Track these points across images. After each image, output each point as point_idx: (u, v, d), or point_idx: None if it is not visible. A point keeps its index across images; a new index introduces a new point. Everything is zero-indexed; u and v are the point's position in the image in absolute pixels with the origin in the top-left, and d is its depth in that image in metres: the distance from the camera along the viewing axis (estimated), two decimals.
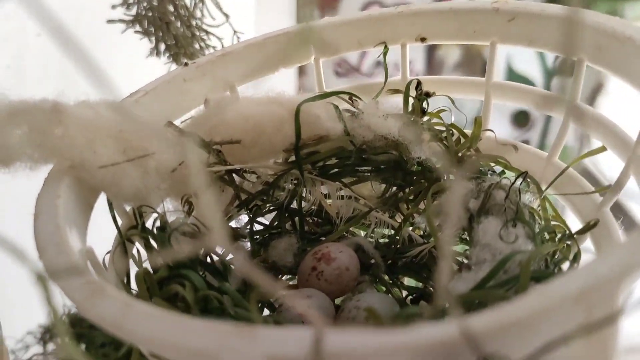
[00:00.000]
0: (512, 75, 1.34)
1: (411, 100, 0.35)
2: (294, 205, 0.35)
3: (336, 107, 0.33)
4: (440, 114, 0.36)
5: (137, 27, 0.48)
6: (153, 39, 0.48)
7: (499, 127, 1.31)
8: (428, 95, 0.36)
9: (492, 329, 0.15)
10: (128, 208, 0.29)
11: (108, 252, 0.27)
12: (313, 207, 0.35)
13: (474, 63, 1.30)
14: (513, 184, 0.30)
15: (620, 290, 0.16)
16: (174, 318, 0.17)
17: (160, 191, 0.28)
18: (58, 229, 0.21)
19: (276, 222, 0.35)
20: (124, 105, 0.29)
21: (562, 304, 0.15)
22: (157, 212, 0.28)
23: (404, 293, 0.34)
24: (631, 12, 1.38)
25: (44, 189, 0.24)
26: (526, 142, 1.29)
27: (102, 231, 0.28)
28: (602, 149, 0.30)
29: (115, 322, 0.17)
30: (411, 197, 0.35)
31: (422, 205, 0.34)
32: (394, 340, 0.15)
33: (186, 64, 0.34)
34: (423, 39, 0.36)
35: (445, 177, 0.33)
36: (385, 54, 0.36)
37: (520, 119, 1.40)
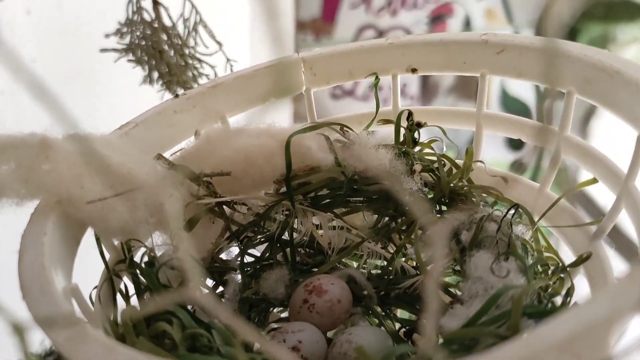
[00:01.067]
0: (506, 98, 1.35)
1: (402, 131, 0.35)
2: (286, 236, 0.35)
3: (327, 138, 0.33)
4: (432, 144, 0.36)
5: (130, 56, 0.48)
6: (146, 67, 0.48)
7: (494, 150, 1.32)
8: (419, 125, 0.36)
9: None
10: (116, 242, 0.29)
11: (95, 287, 0.27)
12: (305, 238, 0.34)
13: (469, 87, 1.31)
14: (504, 216, 0.29)
15: (610, 335, 0.16)
16: None
17: (148, 225, 0.28)
18: (43, 268, 0.21)
19: (267, 254, 0.34)
20: (112, 139, 0.29)
21: (548, 353, 0.15)
22: (146, 247, 0.28)
23: (397, 325, 0.34)
24: (623, 36, 1.40)
25: (29, 226, 0.24)
26: (521, 164, 1.30)
27: (91, 264, 0.27)
28: (594, 180, 0.30)
29: None
30: (403, 228, 0.34)
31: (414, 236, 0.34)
32: None
33: (177, 96, 0.34)
34: (414, 70, 0.36)
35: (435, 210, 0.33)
36: (376, 84, 0.36)
37: (515, 142, 1.40)
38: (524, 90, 1.34)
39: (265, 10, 0.15)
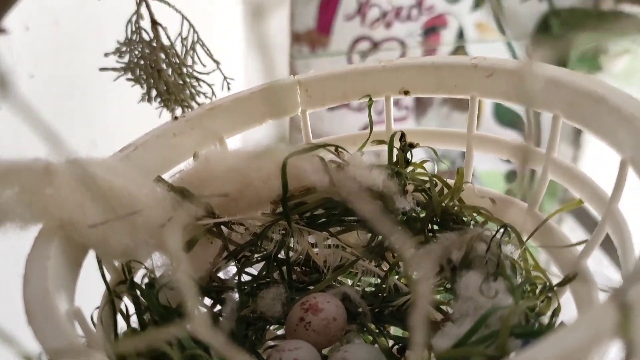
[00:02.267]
0: (500, 108, 1.37)
1: (395, 152, 0.36)
2: (282, 255, 0.35)
3: (322, 159, 0.34)
4: (424, 164, 0.37)
5: (129, 75, 0.49)
6: (144, 85, 0.49)
7: (489, 161, 1.33)
8: (412, 146, 0.37)
9: None
10: (117, 263, 0.29)
11: (97, 308, 0.28)
12: (301, 257, 0.35)
13: (462, 99, 1.32)
14: (494, 236, 0.30)
15: (591, 358, 0.17)
16: None
17: (148, 246, 0.29)
18: (47, 293, 0.22)
19: (264, 272, 0.35)
20: (113, 163, 0.30)
21: None
22: (146, 268, 0.29)
23: (390, 342, 0.34)
24: (614, 47, 1.41)
25: (33, 251, 0.25)
26: (515, 176, 1.30)
27: (91, 283, 0.28)
28: (580, 202, 0.31)
29: None
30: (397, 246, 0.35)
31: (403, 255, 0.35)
32: None
33: (176, 118, 0.34)
34: (406, 92, 0.37)
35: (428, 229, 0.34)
36: (369, 106, 0.37)
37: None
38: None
39: (258, 43, 0.16)
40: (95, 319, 0.27)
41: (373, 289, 0.36)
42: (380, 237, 0.36)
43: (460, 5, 1.35)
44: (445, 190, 0.35)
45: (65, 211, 0.27)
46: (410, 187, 0.35)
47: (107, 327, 0.27)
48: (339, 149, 0.36)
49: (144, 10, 0.45)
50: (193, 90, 0.48)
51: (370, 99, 0.38)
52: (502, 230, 0.30)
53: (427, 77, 0.36)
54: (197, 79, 0.49)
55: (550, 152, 0.32)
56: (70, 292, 0.25)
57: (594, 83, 0.30)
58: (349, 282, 0.37)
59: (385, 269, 0.36)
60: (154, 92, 0.48)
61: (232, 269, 0.35)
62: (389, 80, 0.37)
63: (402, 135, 0.37)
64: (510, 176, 1.32)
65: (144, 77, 0.48)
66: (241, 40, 0.95)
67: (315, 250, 0.36)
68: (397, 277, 0.36)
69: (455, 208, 0.34)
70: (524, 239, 0.32)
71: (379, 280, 0.35)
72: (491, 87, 0.34)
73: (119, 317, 0.29)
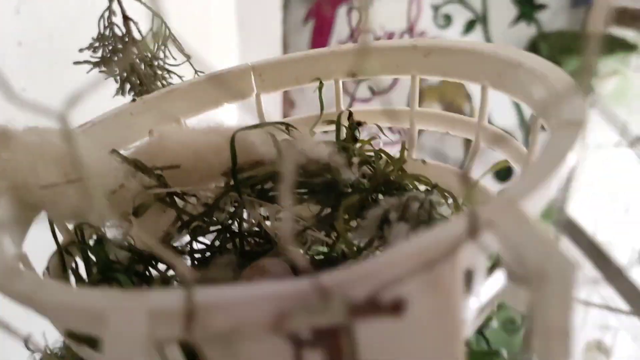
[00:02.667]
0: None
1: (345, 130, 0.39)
2: (236, 226, 0.37)
3: (269, 132, 0.36)
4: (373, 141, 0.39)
5: (102, 68, 0.51)
6: (118, 79, 0.52)
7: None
8: (359, 124, 0.39)
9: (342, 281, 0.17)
10: (70, 226, 0.31)
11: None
12: (253, 228, 0.37)
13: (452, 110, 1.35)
14: (427, 195, 0.32)
15: (460, 259, 0.19)
16: (74, 290, 0.19)
17: (99, 210, 0.31)
18: None
19: (218, 242, 0.37)
20: (70, 132, 0.32)
21: (405, 260, 0.17)
22: (95, 228, 0.31)
23: None
24: (603, 68, 1.44)
25: None
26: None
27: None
28: (505, 162, 0.33)
29: (29, 296, 0.20)
30: (345, 217, 0.37)
31: (354, 223, 0.37)
32: (255, 292, 0.17)
33: (134, 100, 0.37)
34: (354, 75, 0.39)
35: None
36: (320, 89, 0.40)
37: (502, 173, 1.43)
38: (508, 120, 1.38)
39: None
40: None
41: (322, 257, 0.37)
42: (329, 209, 0.37)
43: (451, 31, 1.39)
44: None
45: (20, 174, 0.29)
46: (355, 160, 0.37)
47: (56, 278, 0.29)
48: (290, 127, 0.38)
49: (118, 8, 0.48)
50: (165, 82, 0.51)
51: (321, 82, 0.40)
52: (431, 189, 0.32)
53: (371, 60, 0.39)
54: (169, 71, 0.51)
55: (481, 120, 0.34)
56: (18, 241, 0.27)
57: (514, 52, 0.32)
58: (300, 251, 0.38)
59: (334, 238, 0.37)
60: (127, 86, 0.51)
61: (187, 239, 0.36)
62: (337, 64, 0.39)
63: (350, 114, 0.39)
64: (501, 174, 1.33)
65: (117, 70, 0.51)
66: (235, 34, 0.99)
67: (268, 222, 0.37)
68: (344, 245, 0.37)
69: (398, 178, 0.36)
70: (460, 201, 0.34)
71: (328, 249, 0.37)
72: (429, 66, 0.37)
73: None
